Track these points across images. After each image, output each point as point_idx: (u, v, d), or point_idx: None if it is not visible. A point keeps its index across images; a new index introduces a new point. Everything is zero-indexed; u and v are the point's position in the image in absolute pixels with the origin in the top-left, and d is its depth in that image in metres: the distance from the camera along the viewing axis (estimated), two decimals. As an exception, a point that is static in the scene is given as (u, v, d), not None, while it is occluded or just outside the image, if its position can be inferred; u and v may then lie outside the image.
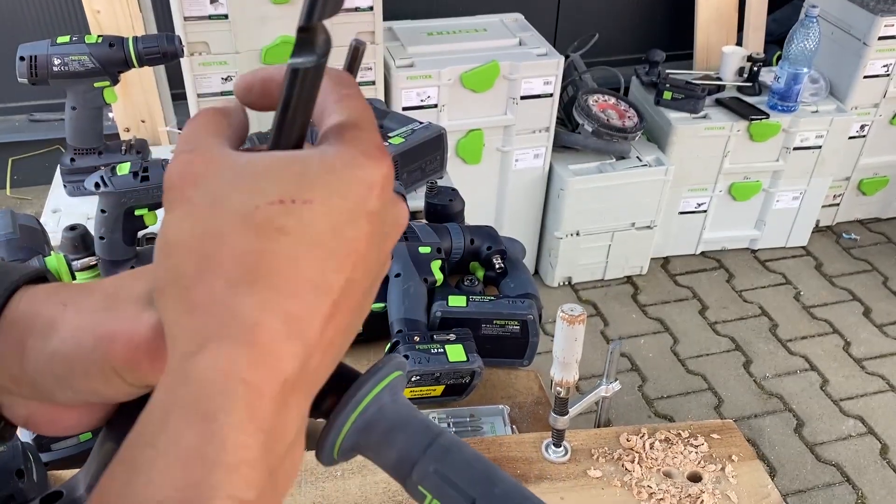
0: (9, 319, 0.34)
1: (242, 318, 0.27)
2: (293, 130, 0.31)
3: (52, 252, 0.93)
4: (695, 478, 0.96)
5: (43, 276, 0.37)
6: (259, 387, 0.27)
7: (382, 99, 2.12)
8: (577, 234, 2.49)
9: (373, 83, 2.12)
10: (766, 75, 2.63)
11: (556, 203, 2.46)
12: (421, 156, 1.55)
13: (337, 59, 0.29)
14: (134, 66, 1.42)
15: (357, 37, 0.35)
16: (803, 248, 2.84)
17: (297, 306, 0.28)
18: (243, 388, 0.26)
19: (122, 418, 0.38)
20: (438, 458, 0.37)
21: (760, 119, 2.48)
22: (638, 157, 2.44)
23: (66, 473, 0.89)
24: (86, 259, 0.79)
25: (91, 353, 0.32)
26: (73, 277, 0.77)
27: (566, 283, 2.61)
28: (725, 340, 2.46)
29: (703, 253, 2.79)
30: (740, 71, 2.62)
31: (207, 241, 0.28)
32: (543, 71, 2.25)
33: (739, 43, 2.77)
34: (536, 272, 2.66)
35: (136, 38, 1.41)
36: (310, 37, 0.30)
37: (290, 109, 0.31)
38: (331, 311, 0.29)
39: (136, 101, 1.80)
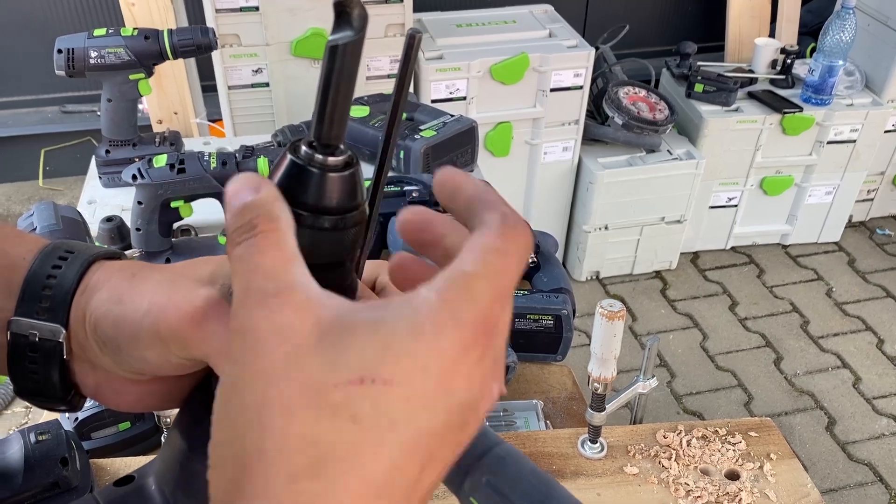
0: (83, 287, 0.35)
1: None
2: (336, 112, 0.31)
3: (93, 244, 0.94)
4: (732, 476, 0.94)
5: (119, 255, 0.39)
6: None
7: (411, 90, 2.11)
8: (606, 227, 2.47)
9: (402, 75, 2.11)
10: (799, 68, 2.59)
11: (584, 196, 2.44)
12: (452, 149, 1.55)
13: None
14: (168, 59, 1.43)
15: (413, 27, 0.35)
16: (836, 243, 2.80)
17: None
18: None
19: (186, 405, 0.38)
20: (493, 469, 0.36)
21: (794, 112, 2.44)
22: (668, 151, 2.41)
23: (107, 461, 0.90)
24: (129, 252, 0.80)
25: (143, 316, 0.33)
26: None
27: (594, 277, 2.60)
28: (756, 337, 2.43)
29: (733, 248, 2.75)
30: (773, 63, 2.58)
31: (277, 417, 0.25)
32: (574, 63, 2.23)
33: (772, 34, 2.73)
34: (564, 266, 2.65)
35: (170, 31, 1.42)
36: (346, 11, 0.29)
37: (331, 89, 0.30)
38: None
39: (169, 94, 1.82)
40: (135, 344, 0.34)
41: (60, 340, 0.35)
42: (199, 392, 0.37)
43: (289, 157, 0.31)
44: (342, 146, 0.32)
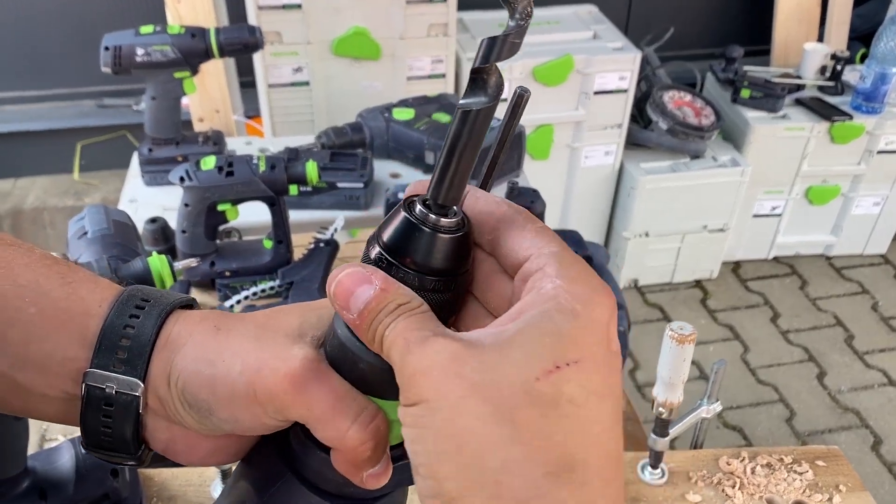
0: (163, 341, 0.35)
1: None
2: (457, 174, 0.31)
3: (144, 248, 0.92)
4: (800, 507, 0.90)
5: (192, 304, 0.38)
6: None
7: (452, 92, 2.08)
8: (647, 234, 2.42)
9: (443, 76, 2.09)
10: (849, 74, 2.51)
11: (625, 202, 2.39)
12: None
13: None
14: (214, 57, 1.41)
15: (521, 86, 0.33)
16: (882, 256, 2.72)
17: (607, 491, 0.27)
18: None
19: (257, 458, 0.37)
20: None
21: (843, 120, 2.37)
22: (713, 157, 2.35)
23: (153, 472, 0.88)
24: (187, 261, 0.77)
25: (238, 377, 0.32)
26: (174, 278, 0.75)
27: (632, 284, 2.55)
28: (798, 350, 2.37)
29: (775, 258, 2.69)
30: (822, 69, 2.51)
31: (503, 425, 0.26)
32: (619, 66, 2.18)
33: (821, 39, 2.65)
34: (600, 272, 2.60)
35: (217, 30, 1.40)
36: (483, 78, 0.29)
37: (456, 152, 0.30)
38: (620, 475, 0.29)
39: (211, 91, 1.80)
40: (228, 407, 0.33)
41: (137, 394, 0.34)
42: (270, 447, 0.36)
43: (402, 213, 0.31)
44: (455, 208, 0.32)
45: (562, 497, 0.26)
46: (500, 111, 0.30)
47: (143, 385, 0.34)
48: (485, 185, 0.34)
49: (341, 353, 0.33)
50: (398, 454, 0.34)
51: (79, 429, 0.35)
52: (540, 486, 0.26)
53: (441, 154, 0.30)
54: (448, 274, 0.31)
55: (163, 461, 0.38)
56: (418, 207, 0.31)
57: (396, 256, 0.31)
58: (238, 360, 0.33)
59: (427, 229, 0.31)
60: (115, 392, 0.34)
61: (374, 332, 0.29)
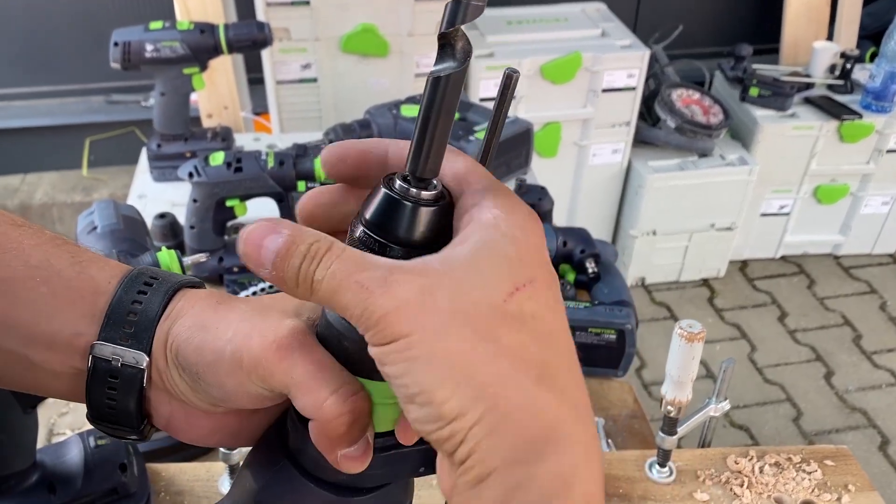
0: (167, 315, 0.35)
1: (561, 420, 0.28)
2: (434, 145, 0.30)
3: (153, 243, 0.92)
4: (808, 507, 0.90)
5: (201, 284, 0.39)
6: (595, 494, 0.29)
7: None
8: (654, 233, 2.41)
9: (451, 73, 2.08)
10: (858, 73, 2.50)
11: (633, 200, 2.39)
12: (507, 150, 1.51)
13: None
14: (223, 53, 1.41)
15: (510, 67, 0.33)
16: (891, 255, 2.71)
17: (579, 394, 0.30)
18: (584, 498, 0.29)
19: (259, 445, 0.38)
20: None
21: (852, 119, 2.36)
22: (721, 156, 2.35)
23: (161, 467, 0.88)
24: (196, 256, 0.78)
25: (226, 344, 0.33)
26: (183, 273, 0.75)
27: (639, 283, 2.54)
28: (806, 350, 2.36)
29: (783, 257, 2.68)
30: (831, 68, 2.50)
31: (487, 342, 0.28)
32: (627, 63, 2.17)
33: (830, 37, 2.64)
34: (607, 270, 2.59)
35: (227, 26, 1.40)
36: (450, 43, 0.29)
37: (430, 121, 0.30)
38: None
39: (219, 88, 1.81)
40: (214, 370, 0.33)
41: (142, 367, 0.35)
42: (271, 435, 0.37)
43: (383, 190, 0.31)
44: (435, 181, 0.32)
45: (549, 399, 0.28)
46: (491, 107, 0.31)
47: (148, 359, 0.35)
48: (484, 158, 0.34)
49: (327, 331, 0.33)
50: (389, 443, 0.34)
51: (86, 422, 0.36)
52: (531, 391, 0.28)
53: (416, 127, 0.30)
54: (434, 246, 0.31)
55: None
56: (398, 183, 0.31)
57: (381, 233, 0.31)
58: (230, 328, 0.33)
59: (409, 203, 0.31)
60: (121, 365, 0.34)
61: (301, 280, 0.29)
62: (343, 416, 0.31)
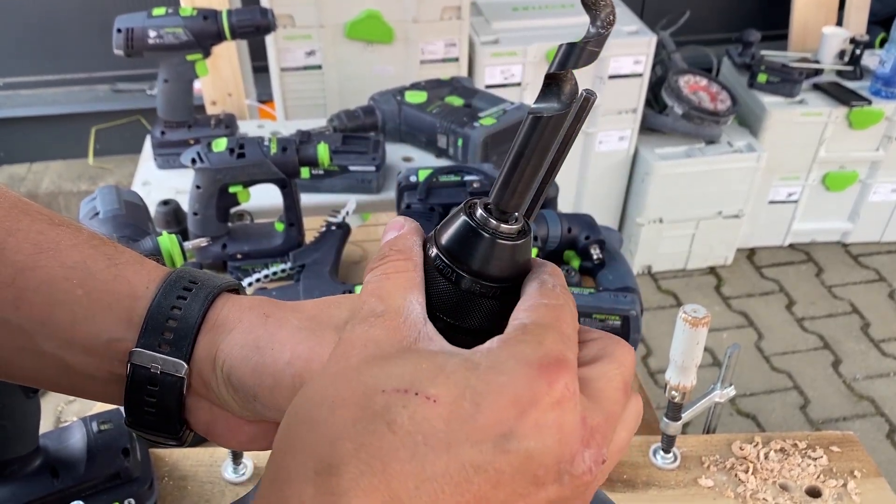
0: (210, 323, 0.35)
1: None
2: (522, 181, 0.30)
3: (155, 229, 0.92)
4: (813, 493, 0.89)
5: (240, 288, 0.38)
6: None
7: (466, 75, 2.06)
8: (661, 220, 2.40)
9: (456, 59, 2.07)
10: (868, 59, 2.47)
11: (639, 188, 2.37)
12: (512, 138, 1.50)
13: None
14: (226, 39, 1.40)
15: (588, 88, 0.32)
16: (900, 243, 2.69)
17: None
18: None
19: None
20: None
21: (862, 105, 2.33)
22: (728, 143, 2.33)
23: (164, 452, 0.88)
24: (197, 240, 0.77)
25: (285, 367, 0.33)
26: (185, 258, 0.75)
27: (646, 271, 2.53)
28: (813, 338, 2.35)
29: (791, 245, 2.66)
30: (841, 54, 2.47)
31: (324, 412, 0.26)
32: (634, 49, 2.16)
33: (840, 23, 2.61)
34: (613, 258, 2.58)
35: (229, 11, 1.39)
36: (558, 84, 0.28)
37: (523, 158, 0.29)
38: None
39: (223, 75, 1.80)
40: (273, 394, 0.33)
41: (182, 375, 0.34)
42: None
43: (462, 217, 0.31)
44: (517, 215, 0.31)
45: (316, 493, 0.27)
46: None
47: (187, 366, 0.34)
48: (540, 191, 0.33)
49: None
50: None
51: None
52: (305, 474, 0.27)
53: (507, 159, 0.29)
54: (504, 281, 0.31)
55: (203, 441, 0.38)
56: (479, 212, 0.31)
57: (453, 259, 0.30)
58: (287, 350, 0.33)
59: (486, 235, 0.30)
60: (160, 372, 0.34)
61: (369, 268, 0.32)
62: None
